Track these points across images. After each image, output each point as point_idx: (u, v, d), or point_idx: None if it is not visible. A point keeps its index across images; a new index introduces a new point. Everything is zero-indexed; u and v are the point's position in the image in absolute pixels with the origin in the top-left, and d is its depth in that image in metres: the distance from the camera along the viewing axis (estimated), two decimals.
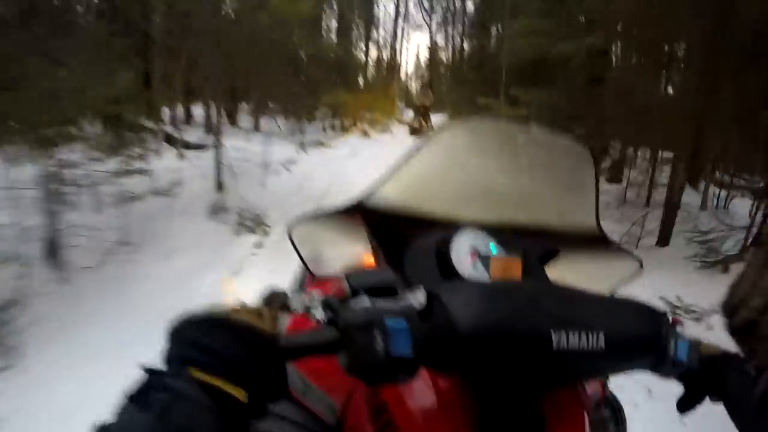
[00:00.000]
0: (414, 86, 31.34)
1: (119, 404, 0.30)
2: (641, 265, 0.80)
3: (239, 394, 0.33)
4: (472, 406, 0.48)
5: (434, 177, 0.81)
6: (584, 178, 0.81)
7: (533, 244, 0.74)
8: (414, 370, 0.41)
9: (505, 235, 0.71)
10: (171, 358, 0.34)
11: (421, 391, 0.51)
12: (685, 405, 0.54)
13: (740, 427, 0.49)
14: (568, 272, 0.80)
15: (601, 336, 0.44)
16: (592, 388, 0.67)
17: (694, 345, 0.52)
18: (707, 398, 0.53)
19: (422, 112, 11.82)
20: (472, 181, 0.83)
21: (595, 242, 0.81)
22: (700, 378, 0.52)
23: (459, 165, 0.83)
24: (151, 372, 0.32)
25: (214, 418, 0.31)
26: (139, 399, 0.31)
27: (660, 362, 0.49)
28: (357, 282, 0.45)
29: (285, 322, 0.43)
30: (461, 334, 0.41)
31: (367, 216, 0.75)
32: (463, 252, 0.65)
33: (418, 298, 0.43)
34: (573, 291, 0.51)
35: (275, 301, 0.45)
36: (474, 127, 0.83)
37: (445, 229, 0.69)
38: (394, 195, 0.75)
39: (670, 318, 0.51)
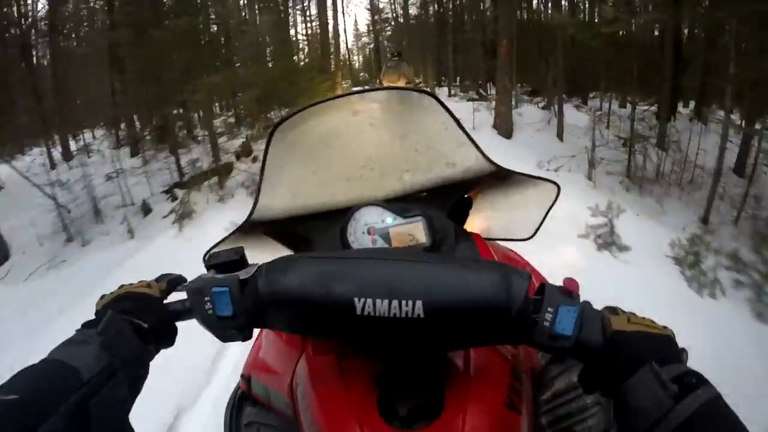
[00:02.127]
0: (357, 60, 27.22)
1: (78, 329, 0.47)
2: (558, 188, 0.81)
3: (144, 324, 0.49)
4: (373, 379, 0.53)
5: (307, 170, 0.80)
6: (444, 123, 0.76)
7: (439, 202, 0.79)
8: (242, 328, 0.49)
9: (408, 202, 0.76)
10: (99, 314, 0.49)
11: (328, 376, 0.55)
12: (585, 384, 0.45)
13: None
14: (489, 216, 0.86)
15: (418, 304, 0.43)
16: None
17: (594, 315, 0.44)
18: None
19: None
20: (350, 161, 0.80)
21: (503, 179, 0.81)
22: (603, 359, 0.42)
23: (326, 150, 0.80)
24: (90, 322, 0.48)
25: (132, 334, 0.47)
26: (89, 324, 0.47)
27: (529, 333, 0.43)
28: (209, 261, 0.53)
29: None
30: (263, 299, 0.47)
31: (268, 227, 0.79)
32: (360, 232, 0.69)
33: (250, 270, 0.50)
34: (396, 259, 0.49)
35: (163, 279, 0.56)
36: (318, 109, 0.76)
37: (343, 216, 0.71)
38: (280, 201, 0.78)
39: (562, 283, 0.47)
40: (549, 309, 0.42)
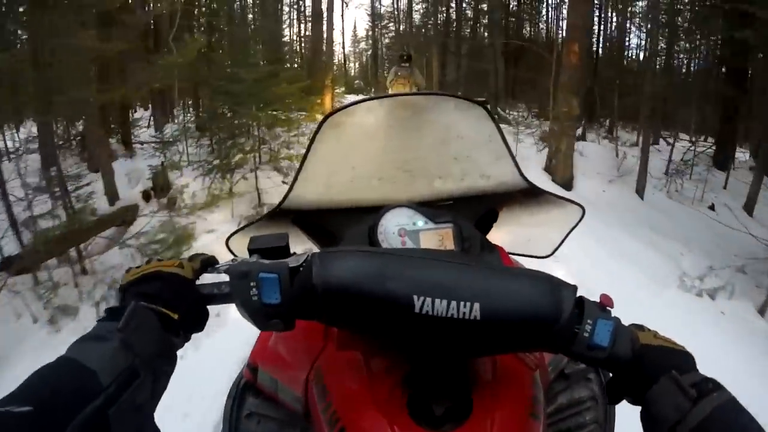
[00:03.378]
0: (354, 67, 25.64)
1: (99, 318, 0.45)
2: (583, 210, 0.82)
3: (173, 315, 0.47)
4: (401, 379, 0.52)
5: (345, 165, 0.79)
6: (490, 135, 0.78)
7: (466, 211, 0.79)
8: (286, 318, 0.48)
9: (435, 207, 0.75)
10: (125, 299, 0.48)
11: (354, 373, 0.55)
12: (612, 393, 0.49)
13: None
14: (513, 230, 0.86)
15: (476, 306, 0.44)
16: None
17: (625, 330, 0.47)
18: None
19: None
20: (385, 161, 0.81)
21: (531, 196, 0.82)
22: (630, 370, 0.46)
23: (366, 147, 0.81)
24: (113, 309, 0.45)
25: (158, 327, 0.45)
26: (111, 314, 0.44)
27: (569, 343, 0.45)
28: (253, 245, 0.53)
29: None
30: (317, 290, 0.44)
31: (296, 217, 0.79)
32: (391, 232, 0.69)
33: (299, 258, 0.48)
34: (455, 261, 0.49)
35: (196, 258, 0.54)
36: (368, 107, 0.78)
37: (373, 213, 0.71)
38: (313, 192, 0.78)
39: (598, 298, 0.48)
40: (588, 321, 0.44)
